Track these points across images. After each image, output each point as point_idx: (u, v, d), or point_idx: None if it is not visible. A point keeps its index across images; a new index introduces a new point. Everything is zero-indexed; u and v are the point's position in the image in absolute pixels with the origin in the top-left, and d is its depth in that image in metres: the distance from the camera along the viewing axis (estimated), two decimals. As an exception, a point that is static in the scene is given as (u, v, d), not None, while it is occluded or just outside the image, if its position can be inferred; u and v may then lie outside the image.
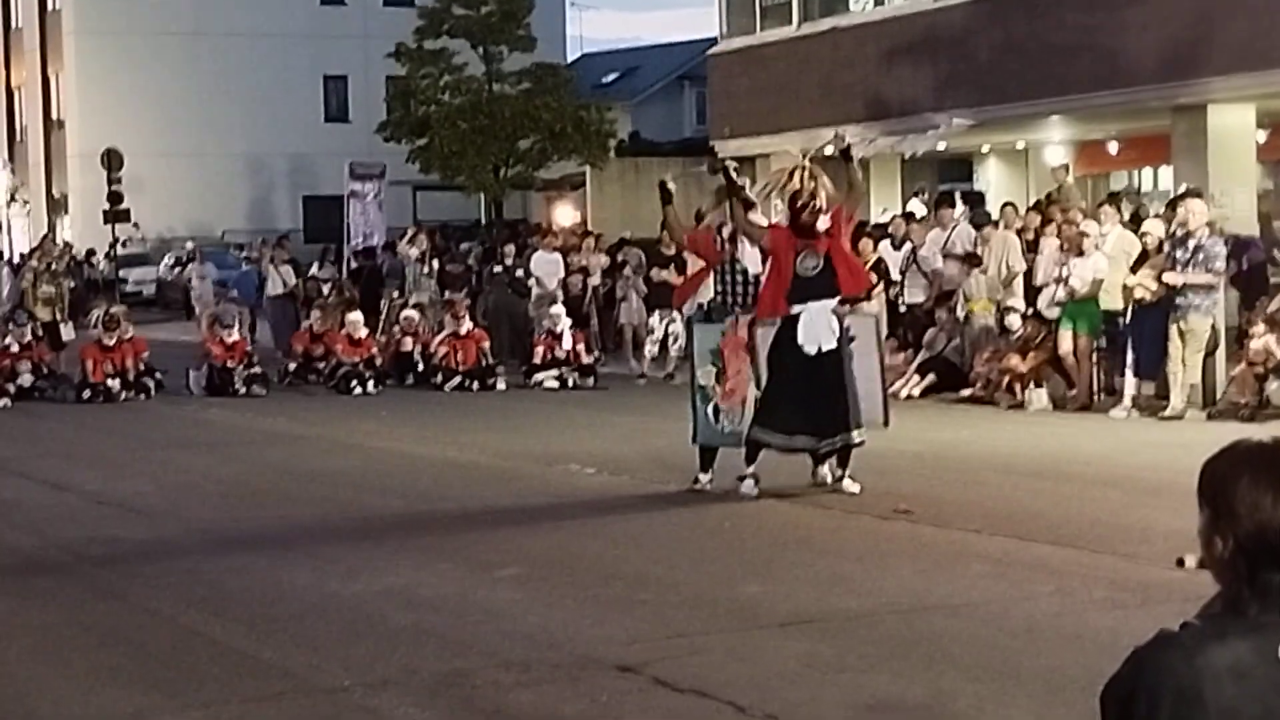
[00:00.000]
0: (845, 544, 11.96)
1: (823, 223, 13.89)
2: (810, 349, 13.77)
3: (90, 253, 50.07)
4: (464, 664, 8.77)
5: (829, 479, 14.16)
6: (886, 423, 14.60)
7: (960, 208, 25.14)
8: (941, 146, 28.99)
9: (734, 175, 14.92)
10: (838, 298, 14.03)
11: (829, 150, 15.20)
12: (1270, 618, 2.94)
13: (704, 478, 14.28)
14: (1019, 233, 22.78)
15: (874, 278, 21.13)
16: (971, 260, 22.29)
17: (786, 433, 13.85)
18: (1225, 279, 19.59)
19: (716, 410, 14.23)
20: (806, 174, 14.00)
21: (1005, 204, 25.10)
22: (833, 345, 13.80)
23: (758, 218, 14.56)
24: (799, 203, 13.90)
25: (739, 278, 14.49)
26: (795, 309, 13.83)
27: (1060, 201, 24.63)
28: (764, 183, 14.63)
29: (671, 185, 14.89)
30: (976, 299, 22.03)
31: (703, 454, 14.39)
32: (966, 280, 22.26)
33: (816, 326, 13.79)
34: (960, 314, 22.15)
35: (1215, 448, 3.13)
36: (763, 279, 14.16)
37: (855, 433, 13.94)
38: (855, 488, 13.90)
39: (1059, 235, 21.28)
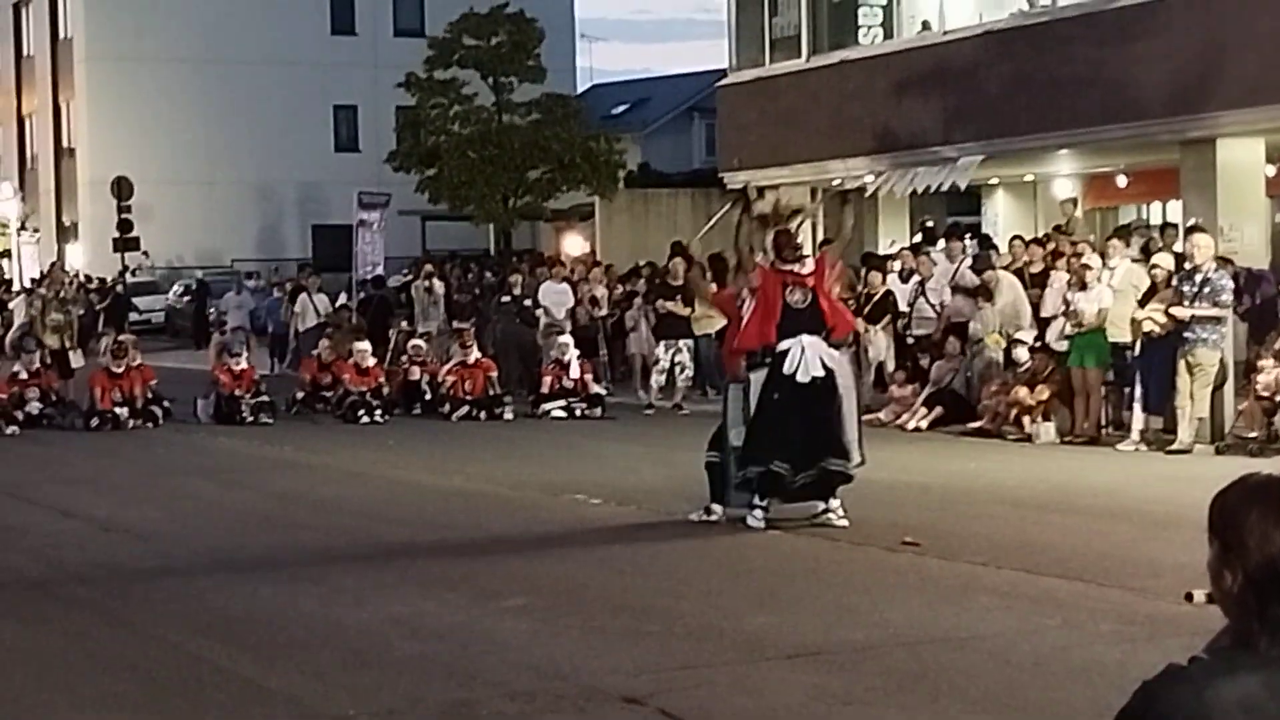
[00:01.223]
0: (852, 576, 11.95)
1: (806, 265, 14.00)
2: (803, 377, 13.78)
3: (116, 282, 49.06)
4: (469, 694, 8.76)
5: (833, 517, 14.12)
6: (863, 460, 14.47)
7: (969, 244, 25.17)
8: (959, 183, 28.99)
9: (752, 197, 15.02)
10: (826, 334, 14.07)
11: (848, 185, 15.31)
12: (1279, 652, 2.93)
13: (717, 509, 14.26)
14: (1024, 267, 22.78)
15: (860, 324, 21.38)
16: (980, 293, 22.30)
17: (785, 461, 13.81)
18: (1235, 313, 19.59)
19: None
20: (794, 213, 14.23)
21: (1013, 238, 25.10)
22: (822, 373, 13.82)
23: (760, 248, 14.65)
24: (783, 240, 14.01)
25: None
26: (785, 344, 13.85)
27: (1070, 234, 24.62)
28: (760, 210, 14.68)
29: (694, 250, 15.09)
30: (989, 331, 22.04)
31: (717, 487, 14.36)
32: (977, 312, 22.26)
33: (807, 355, 13.81)
34: (986, 342, 22.10)
35: (1223, 482, 3.13)
36: (745, 315, 14.18)
37: (849, 462, 13.96)
38: (843, 521, 13.90)
39: (1067, 269, 21.30)
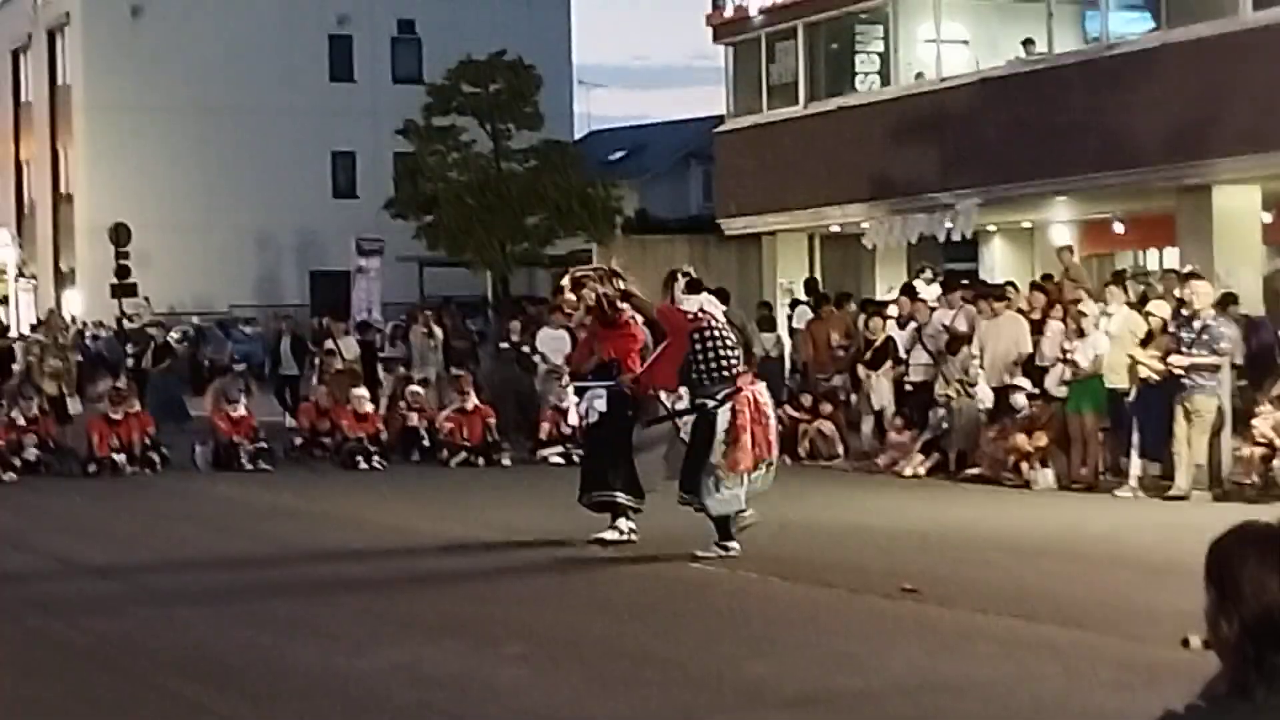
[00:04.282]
0: (851, 623, 11.94)
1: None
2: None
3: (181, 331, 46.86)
4: (469, 741, 8.74)
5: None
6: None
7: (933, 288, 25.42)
8: (957, 231, 29.06)
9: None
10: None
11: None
12: (1276, 700, 2.95)
13: (734, 545, 14.70)
14: (1028, 313, 22.78)
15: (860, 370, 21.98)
16: (952, 345, 22.28)
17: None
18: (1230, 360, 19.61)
19: (717, 481, 14.72)
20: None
21: (1006, 283, 25.12)
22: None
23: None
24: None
25: (718, 349, 15.07)
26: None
27: (1076, 281, 24.53)
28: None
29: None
30: (949, 384, 22.06)
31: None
32: (947, 362, 22.25)
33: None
34: (940, 394, 22.16)
35: (1221, 529, 3.15)
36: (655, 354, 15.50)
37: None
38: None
39: (1064, 316, 21.33)
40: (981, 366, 21.98)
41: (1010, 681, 9.89)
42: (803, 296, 28.60)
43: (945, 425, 22.20)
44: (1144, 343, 19.45)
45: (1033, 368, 21.59)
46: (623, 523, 15.60)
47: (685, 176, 58.88)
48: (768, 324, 28.10)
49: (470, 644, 11.34)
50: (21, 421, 25.02)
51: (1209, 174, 24.37)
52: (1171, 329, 19.01)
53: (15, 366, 28.54)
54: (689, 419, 15.02)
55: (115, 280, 47.60)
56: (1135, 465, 19.39)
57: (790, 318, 28.06)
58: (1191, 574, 3.41)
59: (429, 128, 45.77)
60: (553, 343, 28.59)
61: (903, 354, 23.73)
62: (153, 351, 33.04)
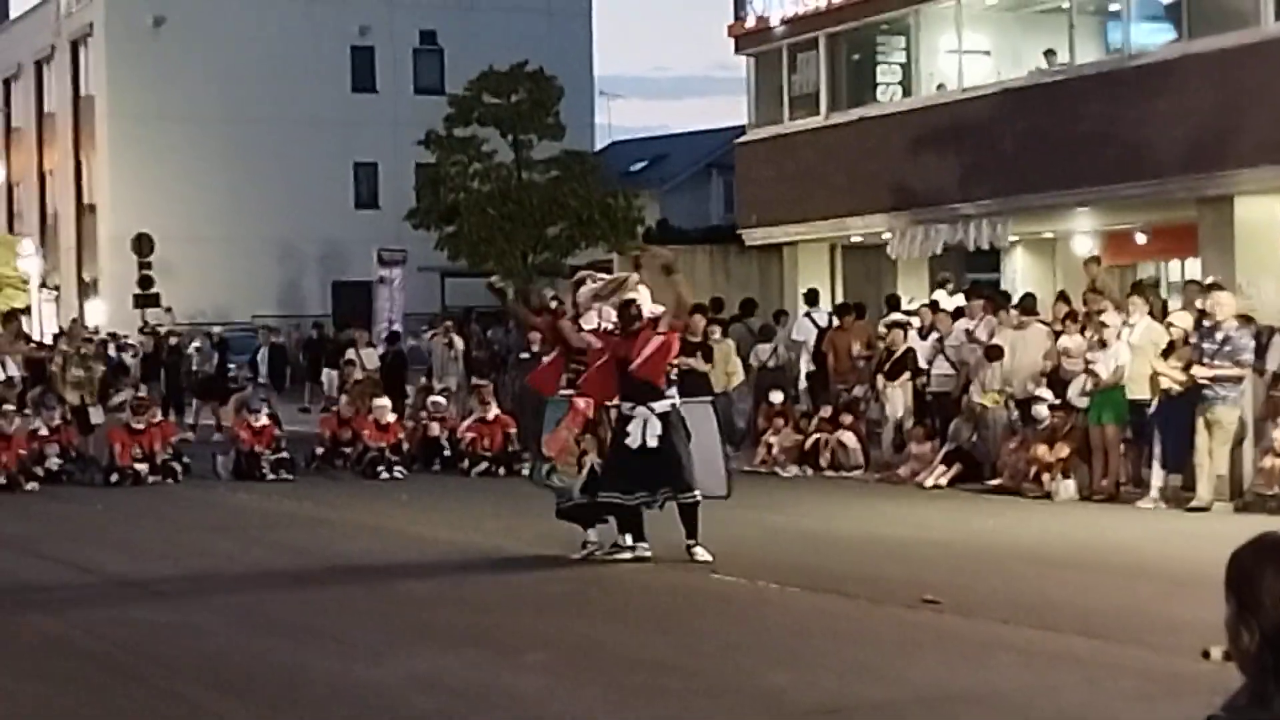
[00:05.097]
0: (871, 633, 11.92)
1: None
2: (634, 444, 15.11)
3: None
4: (488, 751, 8.73)
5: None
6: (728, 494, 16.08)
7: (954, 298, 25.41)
8: (978, 236, 29.03)
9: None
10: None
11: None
12: (1296, 710, 2.93)
13: (593, 535, 15.43)
14: (1050, 324, 22.74)
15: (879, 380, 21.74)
16: (990, 353, 22.25)
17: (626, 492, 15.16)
18: (1255, 371, 19.55)
19: (551, 470, 15.54)
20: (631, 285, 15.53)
21: (1025, 294, 25.06)
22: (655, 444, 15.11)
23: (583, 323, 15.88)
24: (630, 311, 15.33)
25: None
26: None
27: (1105, 292, 24.41)
28: (595, 289, 15.93)
29: (500, 284, 17.32)
30: (986, 392, 22.02)
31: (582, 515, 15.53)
32: (984, 370, 22.22)
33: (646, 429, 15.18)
34: (984, 403, 22.12)
35: (1242, 540, 3.13)
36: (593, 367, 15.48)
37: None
38: (706, 556, 14.90)
39: (1083, 327, 21.28)
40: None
41: (1031, 692, 9.87)
42: (813, 307, 28.50)
43: (975, 436, 22.16)
44: (1165, 354, 19.41)
45: (1054, 378, 21.55)
46: (592, 533, 15.73)
47: (706, 187, 58.91)
48: (765, 335, 28.11)
49: (490, 653, 11.34)
50: (44, 431, 25.11)
51: (1230, 185, 24.31)
52: (1193, 340, 18.97)
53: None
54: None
55: (138, 290, 47.76)
56: (1157, 476, 19.35)
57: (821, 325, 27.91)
58: (1213, 585, 3.40)
59: (450, 138, 45.82)
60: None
61: (923, 364, 23.72)
62: (140, 360, 33.31)
